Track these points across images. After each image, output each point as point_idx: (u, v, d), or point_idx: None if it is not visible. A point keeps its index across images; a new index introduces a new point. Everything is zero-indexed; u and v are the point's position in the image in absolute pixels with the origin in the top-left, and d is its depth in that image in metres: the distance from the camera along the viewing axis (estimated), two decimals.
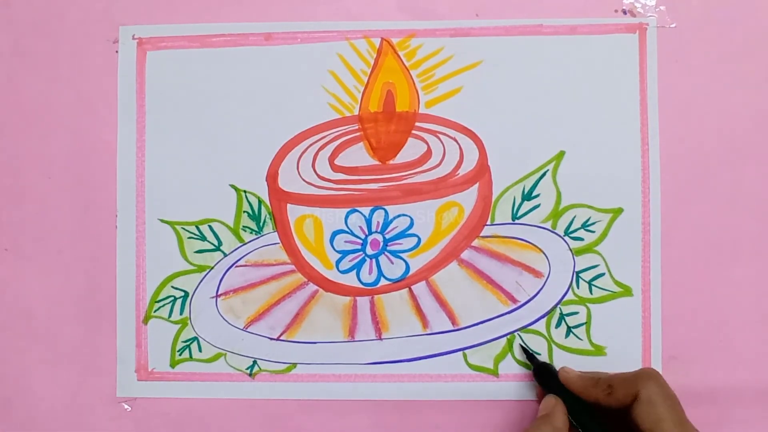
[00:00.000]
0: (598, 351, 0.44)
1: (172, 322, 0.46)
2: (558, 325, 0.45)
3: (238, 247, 0.46)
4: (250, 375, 0.46)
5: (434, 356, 0.45)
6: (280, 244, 0.46)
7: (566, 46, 0.45)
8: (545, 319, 0.45)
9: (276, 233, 0.46)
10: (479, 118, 0.45)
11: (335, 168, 0.46)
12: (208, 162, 0.46)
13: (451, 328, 0.45)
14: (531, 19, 0.45)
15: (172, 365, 0.46)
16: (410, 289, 0.45)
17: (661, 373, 0.43)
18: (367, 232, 0.46)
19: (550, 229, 0.45)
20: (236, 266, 0.46)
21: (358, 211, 0.45)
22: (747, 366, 0.44)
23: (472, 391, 0.45)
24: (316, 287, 0.46)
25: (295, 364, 0.45)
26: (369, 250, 0.46)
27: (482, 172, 0.45)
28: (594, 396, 0.40)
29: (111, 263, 0.46)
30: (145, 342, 0.46)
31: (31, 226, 0.47)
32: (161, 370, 0.46)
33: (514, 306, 0.45)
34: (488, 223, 0.45)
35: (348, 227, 0.45)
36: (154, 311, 0.46)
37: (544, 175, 0.45)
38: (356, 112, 0.46)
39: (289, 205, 0.46)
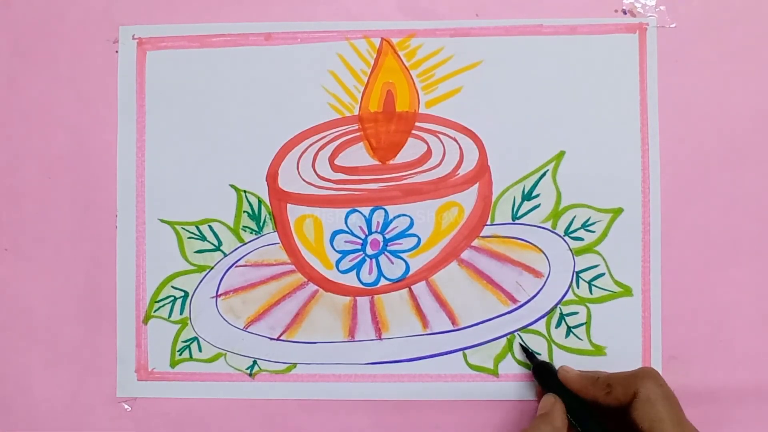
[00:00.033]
0: (598, 351, 0.44)
1: (172, 322, 0.46)
2: (558, 325, 0.45)
3: (238, 247, 0.46)
4: (250, 375, 0.46)
5: (434, 356, 0.45)
6: (280, 244, 0.46)
7: (566, 46, 0.45)
8: (545, 319, 0.45)
9: (276, 233, 0.46)
10: (479, 118, 0.45)
11: (335, 168, 0.46)
12: (208, 162, 0.46)
13: (451, 328, 0.45)
14: (531, 19, 0.45)
15: (172, 365, 0.46)
16: (410, 289, 0.45)
17: (661, 372, 0.43)
18: (367, 232, 0.46)
19: (550, 229, 0.45)
20: (236, 266, 0.46)
21: (358, 211, 0.45)
22: (747, 366, 0.44)
23: (472, 391, 0.45)
24: (316, 287, 0.46)
25: (295, 364, 0.45)
26: (369, 250, 0.46)
27: (482, 172, 0.45)
28: (593, 395, 0.40)
29: (111, 263, 0.46)
30: (145, 342, 0.46)
31: (31, 226, 0.47)
32: (161, 370, 0.46)
33: (514, 306, 0.45)
34: (488, 223, 0.45)
35: (348, 227, 0.45)
36: (154, 311, 0.46)
37: (544, 175, 0.45)
38: (356, 112, 0.46)
39: (289, 205, 0.46)
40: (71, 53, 0.46)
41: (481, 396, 0.45)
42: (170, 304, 0.46)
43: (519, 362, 0.45)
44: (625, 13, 0.45)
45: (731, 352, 0.44)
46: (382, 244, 0.45)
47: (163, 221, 0.46)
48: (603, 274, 0.45)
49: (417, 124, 0.45)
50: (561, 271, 0.45)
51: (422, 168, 0.45)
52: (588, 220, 0.45)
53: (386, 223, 0.45)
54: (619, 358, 0.44)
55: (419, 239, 0.45)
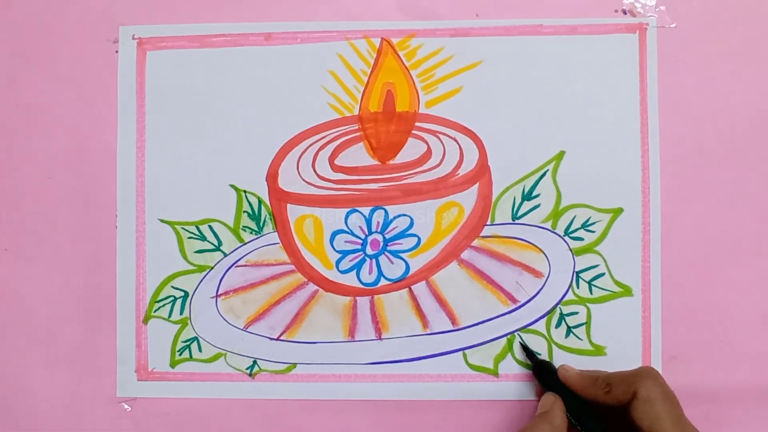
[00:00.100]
0: (598, 351, 0.44)
1: (172, 322, 0.46)
2: (558, 325, 0.45)
3: (238, 247, 0.46)
4: (250, 375, 0.46)
5: (434, 356, 0.45)
6: (280, 244, 0.46)
7: (566, 46, 0.45)
8: (545, 319, 0.45)
9: (276, 233, 0.46)
10: (479, 118, 0.45)
11: (335, 168, 0.46)
12: (208, 162, 0.46)
13: (451, 328, 0.45)
14: (531, 19, 0.45)
15: (172, 365, 0.46)
16: (410, 289, 0.45)
17: (661, 372, 0.43)
18: (367, 232, 0.46)
19: (550, 229, 0.45)
20: (236, 266, 0.46)
21: (358, 211, 0.45)
22: (747, 366, 0.44)
23: (472, 391, 0.45)
24: (316, 287, 0.46)
25: (295, 364, 0.45)
26: (369, 250, 0.46)
27: (482, 172, 0.45)
28: (593, 394, 0.40)
29: (111, 263, 0.46)
30: (145, 342, 0.46)
31: (31, 226, 0.47)
32: (161, 370, 0.46)
33: (514, 306, 0.45)
34: (488, 223, 0.45)
35: (348, 227, 0.45)
36: (154, 311, 0.46)
37: (544, 175, 0.45)
38: (356, 112, 0.46)
39: (289, 205, 0.46)
40: (71, 53, 0.46)
41: (481, 396, 0.45)
42: (170, 304, 0.46)
43: (519, 362, 0.45)
44: (625, 13, 0.45)
45: (731, 352, 0.44)
46: (382, 244, 0.45)
47: (163, 221, 0.46)
48: (603, 274, 0.45)
49: (417, 124, 0.45)
50: (561, 271, 0.45)
51: (422, 168, 0.45)
52: (588, 220, 0.45)
53: (386, 223, 0.45)
54: (619, 358, 0.44)
55: (419, 239, 0.45)
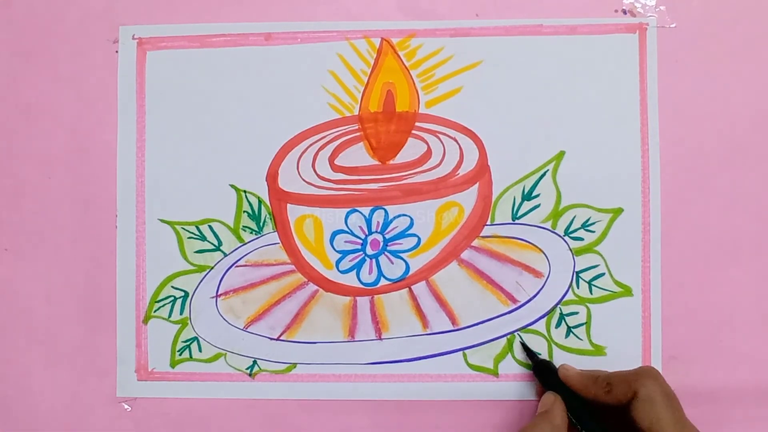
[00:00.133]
0: (598, 351, 0.44)
1: (172, 322, 0.46)
2: (558, 325, 0.45)
3: (238, 247, 0.46)
4: (250, 375, 0.46)
5: (434, 356, 0.45)
6: (280, 244, 0.46)
7: (566, 46, 0.45)
8: (545, 319, 0.45)
9: (276, 233, 0.46)
10: (479, 118, 0.45)
11: (335, 168, 0.46)
12: (208, 162, 0.46)
13: (451, 328, 0.45)
14: (531, 19, 0.45)
15: (172, 365, 0.46)
16: (410, 289, 0.45)
17: (661, 372, 0.43)
18: (367, 232, 0.46)
19: (550, 229, 0.45)
20: (236, 266, 0.46)
21: (358, 211, 0.45)
22: (747, 366, 0.44)
23: (472, 391, 0.45)
24: (316, 287, 0.46)
25: (295, 364, 0.45)
26: (369, 250, 0.46)
27: (482, 172, 0.45)
28: (593, 393, 0.40)
29: (111, 263, 0.46)
30: (145, 342, 0.46)
31: (31, 226, 0.47)
32: (161, 370, 0.46)
33: (514, 306, 0.45)
34: (488, 223, 0.45)
35: (348, 227, 0.45)
36: (154, 311, 0.46)
37: (544, 175, 0.45)
38: (356, 112, 0.46)
39: (289, 205, 0.46)
40: (71, 53, 0.46)
41: (481, 396, 0.45)
42: (170, 304, 0.46)
43: (519, 362, 0.45)
44: (625, 13, 0.45)
45: (731, 352, 0.44)
46: (382, 244, 0.45)
47: (163, 221, 0.46)
48: (603, 274, 0.45)
49: (417, 124, 0.45)
50: (561, 271, 0.45)
51: (422, 168, 0.45)
52: (588, 220, 0.45)
53: (386, 223, 0.45)
54: (619, 358, 0.44)
55: (419, 239, 0.45)
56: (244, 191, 0.46)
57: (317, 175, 0.46)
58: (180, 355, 0.46)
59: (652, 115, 0.45)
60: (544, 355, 0.44)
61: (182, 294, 0.46)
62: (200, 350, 0.46)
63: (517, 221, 0.45)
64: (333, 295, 0.46)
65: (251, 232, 0.46)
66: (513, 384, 0.45)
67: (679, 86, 0.45)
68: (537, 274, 0.45)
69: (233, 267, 0.46)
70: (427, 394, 0.45)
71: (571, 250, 0.45)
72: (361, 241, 0.46)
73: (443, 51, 0.45)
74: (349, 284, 0.46)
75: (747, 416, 0.44)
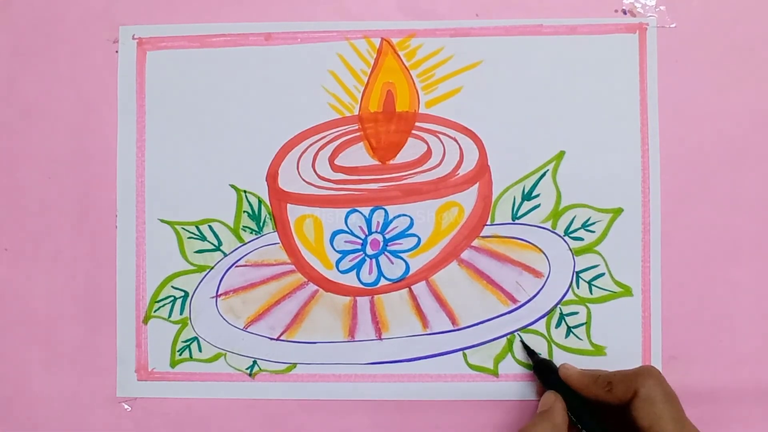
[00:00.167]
0: (598, 351, 0.44)
1: (172, 322, 0.46)
2: (558, 325, 0.45)
3: (238, 247, 0.46)
4: (250, 375, 0.46)
5: (434, 356, 0.45)
6: (280, 244, 0.46)
7: (566, 46, 0.45)
8: (545, 319, 0.45)
9: (276, 233, 0.46)
10: (479, 118, 0.45)
11: (335, 168, 0.46)
12: (208, 162, 0.46)
13: (451, 328, 0.45)
14: (531, 19, 0.45)
15: (172, 365, 0.46)
16: (410, 289, 0.45)
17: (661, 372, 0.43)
18: (367, 232, 0.46)
19: (550, 229, 0.45)
20: (236, 266, 0.46)
21: (358, 211, 0.45)
22: (747, 366, 0.44)
23: (472, 391, 0.45)
24: (316, 287, 0.46)
25: (295, 364, 0.45)
26: (369, 250, 0.46)
27: (482, 172, 0.45)
28: (594, 393, 0.40)
29: (111, 263, 0.46)
30: (145, 342, 0.46)
31: (31, 226, 0.47)
32: (161, 370, 0.46)
33: (514, 306, 0.45)
34: (488, 223, 0.45)
35: (348, 227, 0.45)
36: (154, 311, 0.46)
37: (544, 175, 0.45)
38: (356, 112, 0.46)
39: (289, 205, 0.46)
40: (71, 53, 0.46)
41: (481, 396, 0.45)
42: (170, 304, 0.46)
43: (519, 362, 0.45)
44: (625, 13, 0.45)
45: (731, 352, 0.44)
46: (382, 244, 0.45)
47: (163, 221, 0.46)
48: (603, 274, 0.45)
49: (417, 124, 0.45)
50: (561, 271, 0.45)
51: (422, 168, 0.45)
52: (588, 220, 0.45)
53: (386, 223, 0.45)
54: (619, 358, 0.44)
55: (419, 239, 0.45)
56: (244, 191, 0.46)
57: (317, 175, 0.46)
58: (180, 355, 0.46)
59: (652, 115, 0.45)
60: (544, 355, 0.44)
61: (182, 294, 0.46)
62: (200, 350, 0.46)
63: (517, 221, 0.45)
64: (333, 295, 0.46)
65: (251, 232, 0.46)
66: (513, 384, 0.45)
67: (679, 86, 0.45)
68: (537, 274, 0.45)
69: (233, 267, 0.46)
70: (427, 394, 0.45)
71: (571, 250, 0.45)
72: (361, 241, 0.46)
73: (443, 51, 0.45)
74: (349, 284, 0.46)
75: (747, 416, 0.44)
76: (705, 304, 0.44)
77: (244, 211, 0.46)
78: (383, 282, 0.45)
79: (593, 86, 0.45)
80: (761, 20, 0.45)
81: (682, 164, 0.44)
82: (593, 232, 0.45)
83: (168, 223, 0.46)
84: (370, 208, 0.45)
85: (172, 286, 0.46)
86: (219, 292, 0.46)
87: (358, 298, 0.46)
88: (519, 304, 0.45)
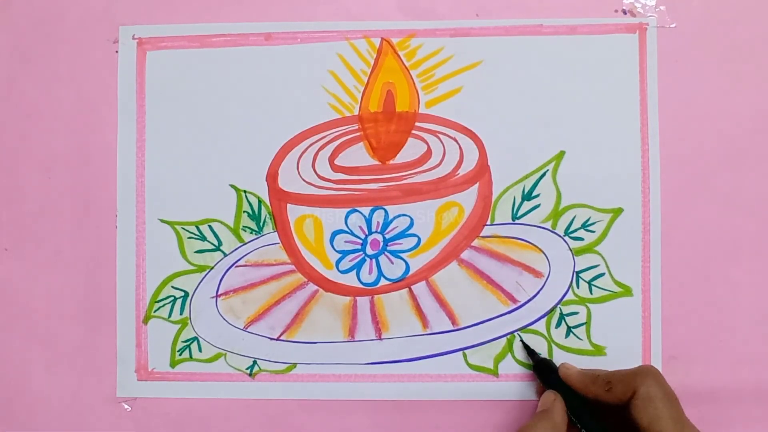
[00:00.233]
0: (598, 351, 0.44)
1: (172, 322, 0.46)
2: (558, 325, 0.45)
3: (238, 247, 0.46)
4: (250, 375, 0.46)
5: (434, 356, 0.45)
6: (280, 244, 0.46)
7: (566, 46, 0.45)
8: (545, 319, 0.45)
9: (276, 233, 0.46)
10: (479, 118, 0.45)
11: (335, 168, 0.46)
12: (208, 162, 0.46)
13: (451, 328, 0.45)
14: (531, 19, 0.45)
15: (172, 365, 0.46)
16: (410, 289, 0.45)
17: (660, 372, 0.43)
18: (367, 232, 0.46)
19: (550, 229, 0.45)
20: (236, 266, 0.46)
21: (358, 211, 0.45)
22: (747, 366, 0.44)
23: (472, 391, 0.45)
24: (316, 287, 0.46)
25: (295, 364, 0.45)
26: (369, 250, 0.46)
27: (482, 172, 0.45)
28: (593, 392, 0.40)
29: (111, 263, 0.46)
30: (145, 342, 0.46)
31: (31, 226, 0.47)
32: (161, 370, 0.46)
33: (514, 306, 0.45)
34: (488, 223, 0.45)
35: (348, 227, 0.45)
36: (154, 311, 0.46)
37: (544, 175, 0.45)
38: (356, 112, 0.46)
39: (289, 205, 0.46)
40: (71, 53, 0.46)
41: (481, 396, 0.45)
42: (170, 304, 0.46)
43: (519, 362, 0.45)
44: (625, 13, 0.45)
45: (731, 352, 0.44)
46: (382, 244, 0.45)
47: (163, 221, 0.46)
48: (603, 274, 0.45)
49: (417, 124, 0.45)
50: (561, 271, 0.45)
51: (422, 168, 0.45)
52: (588, 220, 0.45)
53: (386, 223, 0.45)
54: (619, 358, 0.44)
55: (419, 239, 0.45)
56: (244, 191, 0.46)
57: (317, 175, 0.46)
58: (180, 355, 0.46)
59: (652, 115, 0.45)
60: (544, 356, 0.44)
61: (182, 294, 0.46)
62: (200, 350, 0.46)
63: (517, 221, 0.45)
64: (333, 295, 0.46)
65: (251, 232, 0.46)
66: (513, 384, 0.45)
67: (679, 86, 0.45)
68: (537, 274, 0.45)
69: (233, 267, 0.46)
70: (427, 394, 0.45)
71: (571, 250, 0.45)
72: (361, 241, 0.46)
73: (443, 51, 0.45)
74: (349, 284, 0.46)
75: (747, 416, 0.44)
76: (705, 304, 0.44)
77: (244, 211, 0.46)
78: (383, 282, 0.45)
79: (593, 86, 0.45)
80: (761, 20, 0.45)
81: (682, 164, 0.44)
82: (593, 232, 0.45)
83: (168, 223, 0.46)
84: (370, 208, 0.45)
85: (172, 286, 0.46)
86: (219, 292, 0.46)
87: (358, 298, 0.46)
88: (519, 304, 0.45)
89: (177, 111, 0.46)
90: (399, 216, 0.45)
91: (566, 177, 0.45)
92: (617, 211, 0.45)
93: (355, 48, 0.46)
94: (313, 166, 0.46)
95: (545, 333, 0.45)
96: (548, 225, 0.45)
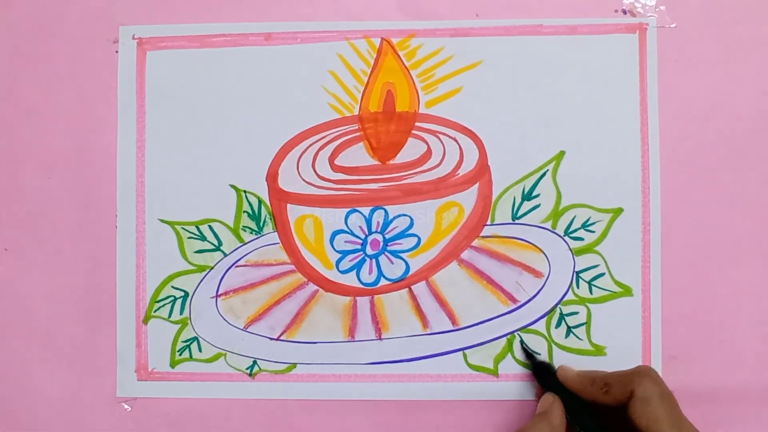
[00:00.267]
0: (598, 351, 0.44)
1: (172, 322, 0.46)
2: (558, 325, 0.45)
3: (238, 247, 0.46)
4: (250, 375, 0.46)
5: (434, 356, 0.45)
6: (280, 244, 0.46)
7: (566, 46, 0.45)
8: (545, 319, 0.45)
9: (276, 233, 0.46)
10: (479, 118, 0.45)
11: (335, 168, 0.46)
12: (208, 162, 0.46)
13: (451, 328, 0.45)
14: (531, 19, 0.45)
15: (172, 365, 0.46)
16: (410, 289, 0.45)
17: (661, 372, 0.43)
18: (367, 232, 0.46)
19: (550, 229, 0.45)
20: (236, 266, 0.46)
21: (358, 211, 0.45)
22: (747, 366, 0.44)
23: (472, 391, 0.45)
24: (316, 287, 0.46)
25: (295, 364, 0.45)
26: (369, 250, 0.46)
27: (482, 172, 0.45)
28: (591, 394, 0.40)
29: (111, 263, 0.46)
30: (145, 342, 0.46)
31: (31, 226, 0.47)
32: (161, 370, 0.46)
33: (514, 306, 0.45)
34: (488, 223, 0.45)
35: (348, 227, 0.46)
36: (154, 311, 0.46)
37: (544, 175, 0.45)
38: (356, 112, 0.46)
39: (289, 205, 0.46)
40: (71, 53, 0.46)
41: (481, 396, 0.45)
42: (170, 304, 0.46)
43: (519, 362, 0.45)
44: (625, 13, 0.45)
45: (731, 352, 0.44)
46: (382, 244, 0.45)
47: (163, 221, 0.46)
48: (603, 274, 0.45)
49: (417, 124, 0.45)
50: (561, 271, 0.45)
51: (422, 168, 0.45)
52: (588, 220, 0.45)
53: (386, 223, 0.45)
54: (619, 358, 0.44)
55: (419, 239, 0.45)
56: (244, 191, 0.46)
57: (317, 175, 0.46)
58: (180, 355, 0.46)
59: (652, 115, 0.45)
60: (544, 355, 0.44)
61: (182, 294, 0.46)
62: (200, 350, 0.46)
63: (517, 221, 0.45)
64: (333, 295, 0.46)
65: (251, 232, 0.46)
66: (513, 384, 0.45)
67: (679, 86, 0.45)
68: (537, 274, 0.45)
69: (233, 267, 0.46)
70: (427, 394, 0.45)
71: (571, 250, 0.45)
72: (361, 241, 0.46)
73: (443, 51, 0.45)
74: (349, 284, 0.46)
75: (747, 416, 0.44)
76: (705, 304, 0.44)
77: (244, 211, 0.46)
78: (383, 282, 0.45)
79: (593, 86, 0.45)
80: (761, 20, 0.45)
81: (682, 164, 0.44)
82: (593, 232, 0.45)
83: (168, 223, 0.46)
84: (370, 208, 0.45)
85: (172, 286, 0.46)
86: (219, 292, 0.46)
87: (358, 298, 0.46)
88: (519, 304, 0.45)
89: (177, 111, 0.46)
90: (399, 216, 0.45)
91: (566, 177, 0.45)
92: (617, 211, 0.45)
93: (355, 48, 0.46)
94: (313, 166, 0.46)
95: (545, 333, 0.45)
96: (548, 225, 0.45)
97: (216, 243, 0.46)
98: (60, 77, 0.46)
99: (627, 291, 0.44)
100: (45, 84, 0.46)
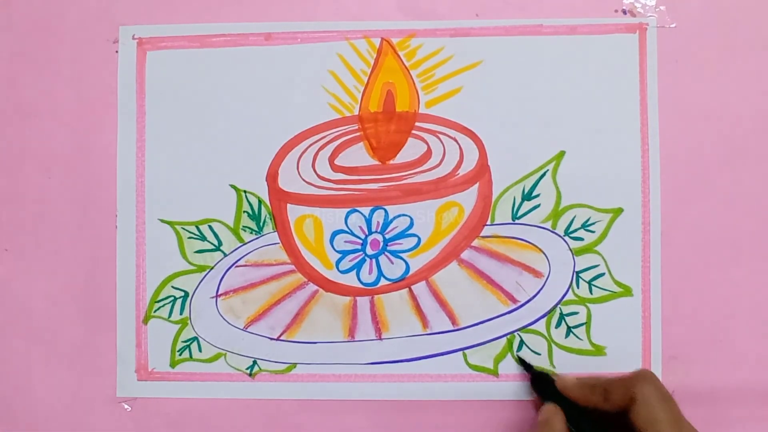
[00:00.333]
0: (598, 351, 0.44)
1: (172, 322, 0.46)
2: (558, 325, 0.45)
3: (238, 247, 0.46)
4: (250, 375, 0.46)
5: (434, 356, 0.45)
6: (280, 244, 0.46)
7: (566, 46, 0.45)
8: (545, 319, 0.45)
9: (276, 233, 0.46)
10: (479, 118, 0.45)
11: (335, 168, 0.46)
12: (208, 162, 0.46)
13: (451, 328, 0.45)
14: (531, 19, 0.45)
15: (172, 365, 0.46)
16: (410, 289, 0.45)
17: (661, 372, 0.43)
18: (367, 232, 0.46)
19: (550, 229, 0.45)
20: (236, 266, 0.46)
21: (358, 211, 0.45)
22: (747, 366, 0.44)
23: (472, 391, 0.45)
24: (316, 287, 0.46)
25: (295, 364, 0.45)
26: (369, 250, 0.46)
27: (482, 172, 0.45)
28: (592, 402, 0.39)
29: (111, 263, 0.46)
30: (145, 342, 0.46)
31: (31, 226, 0.47)
32: (161, 370, 0.46)
33: (514, 306, 0.45)
34: (488, 223, 0.45)
35: (348, 227, 0.46)
36: (154, 311, 0.46)
37: (544, 175, 0.45)
38: (356, 112, 0.46)
39: (289, 205, 0.46)
40: (71, 53, 0.46)
41: (481, 396, 0.45)
42: (170, 304, 0.46)
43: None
44: (625, 13, 0.45)
45: (731, 352, 0.44)
46: (382, 244, 0.45)
47: (163, 221, 0.46)
48: (603, 274, 0.45)
49: (417, 124, 0.45)
50: (561, 271, 0.45)
51: (422, 168, 0.45)
52: (588, 220, 0.45)
53: (386, 223, 0.45)
54: (619, 358, 0.44)
55: (419, 239, 0.45)
56: (244, 191, 0.46)
57: (317, 175, 0.46)
58: (180, 355, 0.46)
59: (652, 115, 0.45)
60: (544, 356, 0.44)
61: (182, 294, 0.46)
62: (200, 350, 0.46)
63: (517, 221, 0.45)
64: (333, 295, 0.46)
65: (251, 232, 0.46)
66: (513, 384, 0.45)
67: (679, 86, 0.45)
68: (537, 274, 0.45)
69: (233, 267, 0.46)
70: (427, 394, 0.45)
71: (571, 250, 0.45)
72: (361, 241, 0.46)
73: (443, 51, 0.45)
74: (349, 284, 0.46)
75: (747, 416, 0.44)
76: (705, 304, 0.44)
77: (244, 211, 0.46)
78: (383, 282, 0.45)
79: (593, 86, 0.45)
80: (761, 20, 0.45)
81: (682, 164, 0.44)
82: (593, 232, 0.45)
83: (168, 223, 0.46)
84: (370, 208, 0.45)
85: (172, 286, 0.46)
86: (219, 292, 0.46)
87: (358, 298, 0.46)
88: (519, 304, 0.45)
89: (177, 111, 0.46)
90: (399, 216, 0.45)
91: (566, 177, 0.45)
92: (617, 211, 0.45)
93: (355, 48, 0.46)
94: (313, 166, 0.46)
95: (545, 333, 0.45)
96: (548, 225, 0.45)
97: (216, 243, 0.46)
98: (60, 77, 0.46)
99: (627, 291, 0.44)
100: (45, 84, 0.46)
